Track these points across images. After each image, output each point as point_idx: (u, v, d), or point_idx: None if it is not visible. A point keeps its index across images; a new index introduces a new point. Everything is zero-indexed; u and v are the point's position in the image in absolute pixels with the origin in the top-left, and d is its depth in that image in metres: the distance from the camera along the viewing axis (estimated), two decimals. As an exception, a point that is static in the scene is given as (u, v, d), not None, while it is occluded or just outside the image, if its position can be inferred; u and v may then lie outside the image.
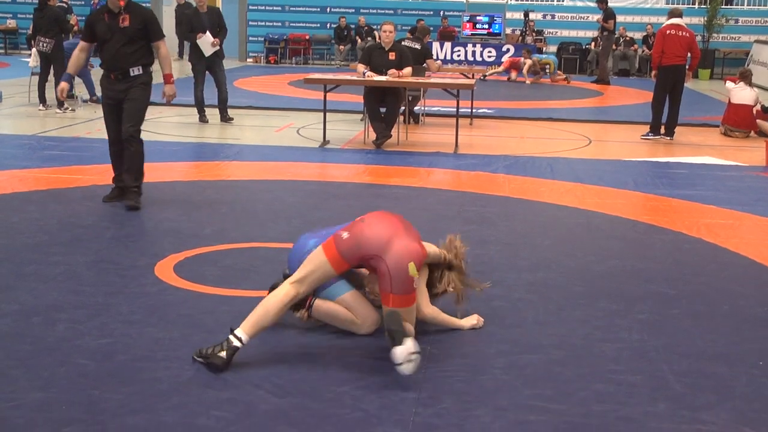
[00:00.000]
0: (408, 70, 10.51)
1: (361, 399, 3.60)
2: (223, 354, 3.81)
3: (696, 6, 24.35)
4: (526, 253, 5.94)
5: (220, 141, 10.79)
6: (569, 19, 25.47)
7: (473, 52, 22.80)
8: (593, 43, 24.33)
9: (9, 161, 8.75)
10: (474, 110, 13.31)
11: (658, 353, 4.21)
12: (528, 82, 20.61)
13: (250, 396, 3.59)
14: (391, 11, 25.22)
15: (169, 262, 5.44)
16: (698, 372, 4.01)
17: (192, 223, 6.45)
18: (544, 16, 25.46)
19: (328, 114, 10.80)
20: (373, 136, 10.51)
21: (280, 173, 8.58)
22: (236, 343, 3.84)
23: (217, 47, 11.83)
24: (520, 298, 4.99)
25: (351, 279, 4.30)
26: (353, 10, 25.41)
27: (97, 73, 8.47)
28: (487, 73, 20.06)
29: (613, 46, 22.26)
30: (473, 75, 15.14)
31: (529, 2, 24.95)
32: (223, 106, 12.22)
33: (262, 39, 25.94)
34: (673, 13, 11.84)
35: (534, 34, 23.98)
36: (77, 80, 12.85)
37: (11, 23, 25.76)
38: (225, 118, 12.23)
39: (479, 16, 23.67)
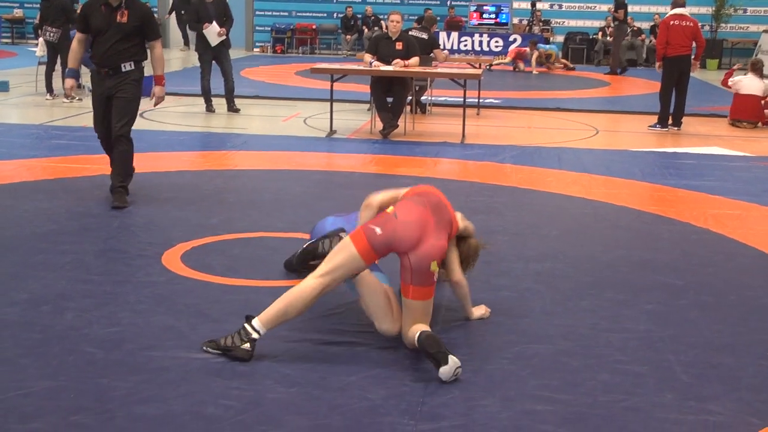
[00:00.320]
0: (415, 60, 10.50)
1: (369, 389, 3.61)
2: (248, 347, 3.80)
3: (704, -4, 24.28)
4: (533, 243, 5.94)
5: (227, 131, 10.79)
6: (576, 9, 25.39)
7: (480, 42, 22.76)
8: (600, 33, 24.27)
9: (17, 151, 8.77)
10: (481, 100, 13.30)
11: (665, 343, 4.21)
12: (535, 72, 20.57)
13: (258, 385, 3.60)
14: (398, 1, 25.19)
15: (176, 252, 5.45)
16: (705, 362, 4.01)
17: (199, 212, 6.46)
18: (551, 6, 25.39)
19: (334, 104, 10.81)
20: (380, 125, 10.50)
21: (286, 163, 8.58)
22: (254, 335, 3.83)
23: (224, 37, 11.82)
24: (527, 288, 4.99)
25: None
26: (360, 0, 25.37)
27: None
28: (492, 63, 20.01)
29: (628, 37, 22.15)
30: (480, 65, 15.11)
31: (536, -8, 24.90)
32: (229, 96, 12.22)
33: (269, 29, 25.93)
34: (676, 3, 11.76)
35: (541, 24, 23.93)
36: (83, 69, 12.85)
37: (18, 12, 25.80)
38: (232, 108, 12.23)
39: (486, 5, 23.61)
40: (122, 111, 6.53)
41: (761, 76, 12.46)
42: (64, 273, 4.98)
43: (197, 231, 5.94)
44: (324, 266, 3.93)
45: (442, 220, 4.09)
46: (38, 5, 14.05)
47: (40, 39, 13.16)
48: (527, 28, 23.83)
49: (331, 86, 10.62)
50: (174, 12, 25.26)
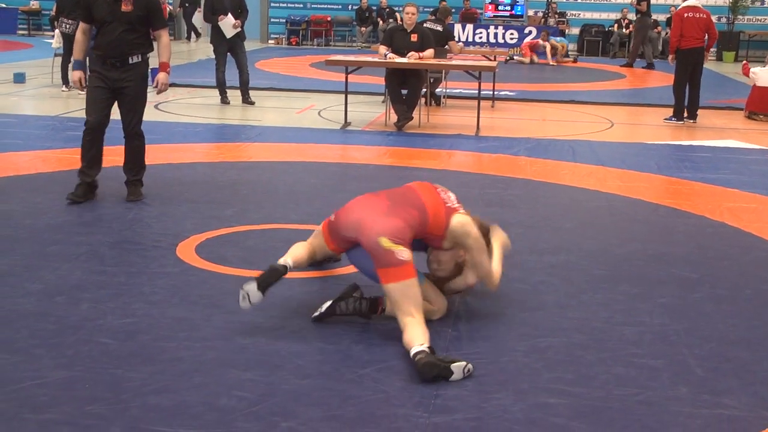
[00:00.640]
0: (429, 52, 10.49)
1: (383, 381, 3.61)
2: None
3: (721, -13, 24.14)
4: (547, 235, 5.92)
5: (242, 122, 10.81)
6: (592, 1, 25.28)
7: (495, 34, 22.71)
8: (616, 25, 24.16)
9: (33, 142, 8.81)
10: (496, 92, 13.26)
11: (680, 337, 4.20)
12: (553, 63, 20.53)
13: (272, 377, 3.61)
14: (413, -7, 25.11)
15: (190, 243, 5.47)
16: (720, 356, 3.99)
17: (213, 204, 6.47)
18: (567, -2, 25.31)
19: (349, 96, 10.80)
20: (394, 118, 10.49)
21: (301, 155, 8.59)
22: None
23: (239, 29, 11.83)
24: (541, 281, 4.98)
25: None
26: (375, -8, 25.34)
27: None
28: (511, 56, 20.04)
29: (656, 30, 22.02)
30: (495, 57, 15.07)
31: (552, -17, 24.81)
32: (244, 87, 12.24)
33: (284, 20, 25.94)
34: None
35: (556, 16, 23.83)
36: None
37: (34, 4, 25.89)
38: (246, 100, 12.25)
39: (501, -3, 23.56)
40: (134, 108, 6.46)
41: None
42: (79, 264, 5.00)
43: (211, 222, 5.95)
44: (308, 244, 4.43)
45: (402, 204, 4.17)
46: (54, -3, 14.08)
47: (56, 31, 13.19)
48: (542, 20, 23.75)
49: (346, 78, 10.61)
50: (180, 4, 25.36)
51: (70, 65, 12.73)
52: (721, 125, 11.64)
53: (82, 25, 6.44)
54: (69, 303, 4.37)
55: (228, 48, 11.98)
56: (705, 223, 6.39)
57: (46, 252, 5.20)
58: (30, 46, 21.55)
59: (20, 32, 25.62)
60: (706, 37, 11.60)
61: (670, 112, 11.79)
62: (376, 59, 10.73)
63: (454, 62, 11.41)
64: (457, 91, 13.64)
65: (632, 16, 22.93)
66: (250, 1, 12.66)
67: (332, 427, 3.22)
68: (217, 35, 11.98)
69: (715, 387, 3.67)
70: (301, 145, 9.11)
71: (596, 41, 24.27)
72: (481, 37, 22.61)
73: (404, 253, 3.98)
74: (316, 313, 4.19)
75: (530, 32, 22.29)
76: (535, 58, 20.95)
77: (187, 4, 25.34)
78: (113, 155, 6.82)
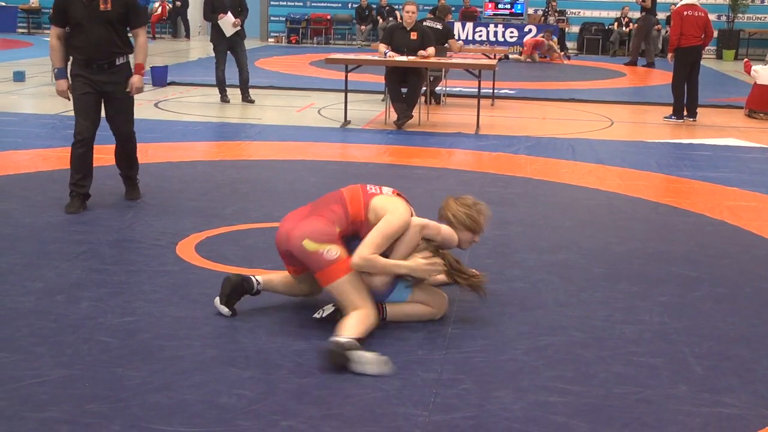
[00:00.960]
0: (431, 49, 10.50)
1: (382, 379, 3.61)
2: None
3: (721, -15, 24.14)
4: (547, 234, 5.93)
5: (242, 121, 10.80)
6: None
7: (495, 33, 22.69)
8: (616, 24, 24.16)
9: (32, 140, 8.81)
10: (495, 91, 13.26)
11: (680, 335, 4.20)
12: (565, 62, 20.64)
13: (272, 375, 3.61)
14: (413, -9, 25.09)
15: (190, 241, 5.47)
16: (720, 354, 4.00)
17: (213, 202, 6.47)
18: (567, -4, 25.30)
19: (349, 94, 10.80)
20: (394, 116, 10.49)
21: (301, 153, 8.59)
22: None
23: (239, 27, 11.82)
24: (541, 279, 4.98)
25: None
26: (374, -10, 25.33)
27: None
28: (509, 54, 20.06)
29: (658, 27, 21.94)
30: (495, 55, 15.07)
31: (552, -19, 24.79)
32: (244, 86, 12.24)
33: (284, 19, 25.93)
34: None
35: (556, 14, 23.82)
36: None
37: (34, 2, 25.87)
38: (246, 99, 12.25)
39: (501, -4, 23.54)
40: (126, 111, 6.29)
41: None
42: (79, 262, 5.00)
43: (211, 221, 5.95)
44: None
45: (324, 204, 4.26)
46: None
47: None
48: (542, 18, 23.74)
49: (346, 76, 10.61)
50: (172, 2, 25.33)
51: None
52: (721, 123, 11.64)
53: (55, 30, 6.06)
54: (69, 301, 4.37)
55: (228, 46, 11.98)
56: (705, 222, 6.39)
57: (46, 250, 5.20)
58: (30, 44, 21.54)
59: (20, 30, 25.61)
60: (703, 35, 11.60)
61: (670, 110, 11.79)
62: (376, 57, 10.73)
63: (453, 60, 11.41)
64: (457, 89, 13.63)
65: (633, 14, 22.92)
66: (249, 0, 12.64)
67: (332, 426, 3.22)
68: (217, 34, 11.98)
69: (714, 385, 3.67)
70: (300, 144, 9.11)
71: (596, 39, 24.27)
72: (480, 36, 22.60)
73: (332, 251, 4.02)
74: (317, 315, 4.19)
75: (530, 30, 22.28)
76: (536, 57, 20.94)
77: (178, 3, 25.30)
78: (108, 154, 6.81)
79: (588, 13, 25.17)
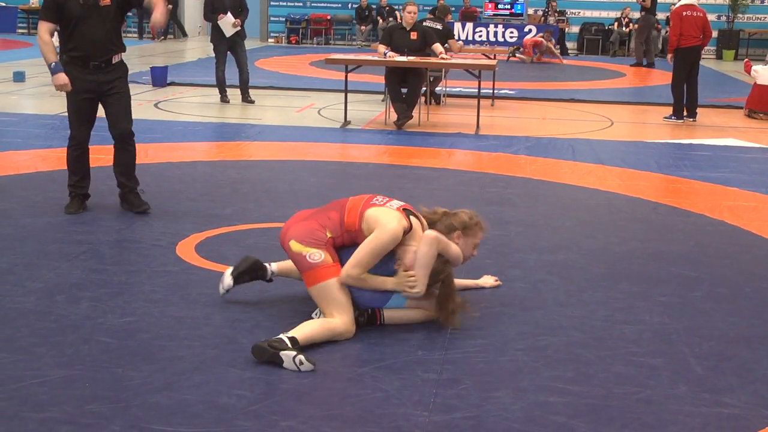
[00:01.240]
0: (437, 45, 10.56)
1: (382, 380, 3.61)
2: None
3: (721, -15, 24.13)
4: (546, 234, 5.93)
5: (242, 121, 10.81)
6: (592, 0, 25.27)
7: (495, 33, 22.69)
8: (616, 24, 24.16)
9: (32, 141, 8.81)
10: (495, 91, 13.26)
11: (680, 336, 4.20)
12: (564, 62, 20.65)
13: (272, 375, 3.61)
14: (413, -9, 25.08)
15: (190, 242, 5.47)
16: (720, 355, 4.00)
17: (213, 203, 6.47)
18: (567, -4, 25.31)
19: (349, 94, 10.80)
20: (394, 116, 10.49)
21: (301, 153, 8.59)
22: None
23: (239, 28, 11.83)
24: (541, 279, 4.98)
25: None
26: (374, -10, 25.34)
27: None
28: (511, 54, 20.08)
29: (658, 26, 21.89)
30: (495, 56, 15.08)
31: (552, -18, 24.79)
32: (244, 86, 12.24)
33: (284, 19, 25.93)
34: None
35: (556, 14, 23.83)
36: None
37: (34, 2, 25.84)
38: (246, 99, 12.25)
39: (501, -4, 23.55)
40: (125, 110, 6.03)
41: None
42: (79, 263, 5.00)
43: (211, 221, 5.95)
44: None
45: (325, 210, 4.28)
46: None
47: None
48: (542, 18, 23.74)
49: (346, 77, 10.61)
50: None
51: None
52: (720, 124, 11.64)
53: (47, 25, 5.79)
54: (69, 302, 4.37)
55: (228, 47, 11.98)
56: (704, 222, 6.39)
57: (46, 251, 5.20)
58: (30, 44, 21.53)
59: (20, 31, 25.61)
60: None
61: (669, 110, 11.79)
62: (376, 58, 10.73)
63: (453, 61, 11.41)
64: (457, 89, 13.63)
65: (633, 14, 22.91)
66: (249, 0, 12.65)
67: (332, 426, 3.22)
68: (217, 34, 11.98)
69: (714, 385, 3.67)
70: (300, 144, 9.11)
71: (596, 40, 24.27)
72: (480, 36, 22.60)
73: (314, 256, 4.06)
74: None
75: (530, 31, 22.28)
76: (534, 58, 20.94)
77: (170, 6, 25.29)
78: (108, 154, 6.80)
79: (588, 14, 25.17)
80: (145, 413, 3.26)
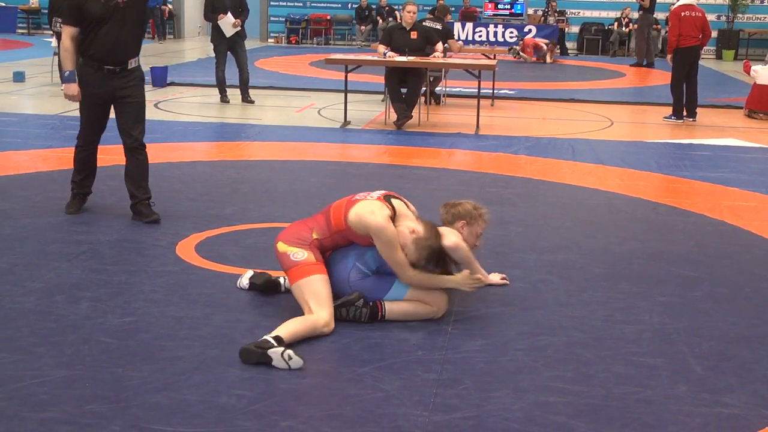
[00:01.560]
0: (439, 44, 10.58)
1: (382, 380, 3.61)
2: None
3: (721, -15, 24.12)
4: (546, 234, 5.93)
5: (242, 121, 10.80)
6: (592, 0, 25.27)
7: (495, 33, 22.68)
8: (616, 24, 24.15)
9: (32, 141, 8.81)
10: (495, 91, 13.25)
11: (680, 336, 4.20)
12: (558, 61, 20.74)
13: (271, 375, 3.61)
14: (413, -9, 25.07)
15: (190, 242, 5.47)
16: (720, 355, 4.00)
17: (213, 203, 6.47)
18: (567, -4, 25.30)
19: (349, 94, 10.80)
20: (394, 116, 10.49)
21: (301, 153, 8.59)
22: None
23: (239, 28, 11.82)
24: (541, 279, 4.98)
25: None
26: (374, -9, 25.33)
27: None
28: (516, 51, 20.17)
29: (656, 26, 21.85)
30: (495, 56, 15.07)
31: (552, -18, 24.78)
32: (244, 86, 12.24)
33: (284, 19, 25.93)
34: None
35: (556, 14, 23.82)
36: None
37: (34, 3, 25.85)
38: (246, 99, 12.25)
39: (501, -4, 23.54)
40: (138, 117, 5.88)
41: None
42: (79, 263, 5.00)
43: (211, 221, 5.95)
44: None
45: (312, 217, 4.41)
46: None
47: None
48: (542, 18, 23.74)
49: (346, 77, 10.61)
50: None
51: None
52: (720, 124, 11.64)
53: (69, 30, 5.67)
54: (69, 302, 4.37)
55: (228, 47, 11.98)
56: (704, 222, 6.39)
57: (46, 251, 5.20)
58: (29, 45, 21.53)
59: (20, 31, 25.60)
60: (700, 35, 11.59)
61: (669, 110, 11.79)
62: (376, 58, 10.73)
63: (453, 60, 11.41)
64: (457, 89, 13.63)
65: (633, 15, 22.90)
66: (249, 0, 12.65)
67: (332, 426, 3.22)
68: (217, 34, 11.98)
69: (714, 385, 3.67)
70: (300, 144, 9.11)
71: (596, 40, 24.26)
72: (480, 36, 22.59)
73: (297, 255, 4.18)
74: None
75: (530, 31, 22.28)
76: (532, 57, 20.96)
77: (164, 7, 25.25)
78: (111, 154, 6.81)
79: (588, 14, 25.16)
80: (145, 413, 3.26)
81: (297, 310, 4.27)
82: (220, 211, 6.25)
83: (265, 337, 3.78)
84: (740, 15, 23.63)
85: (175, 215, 6.09)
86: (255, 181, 7.27)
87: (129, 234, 5.66)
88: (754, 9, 24.10)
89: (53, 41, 13.42)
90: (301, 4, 26.18)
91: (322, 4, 26.13)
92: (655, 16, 22.72)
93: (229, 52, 12.02)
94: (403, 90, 10.48)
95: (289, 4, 26.21)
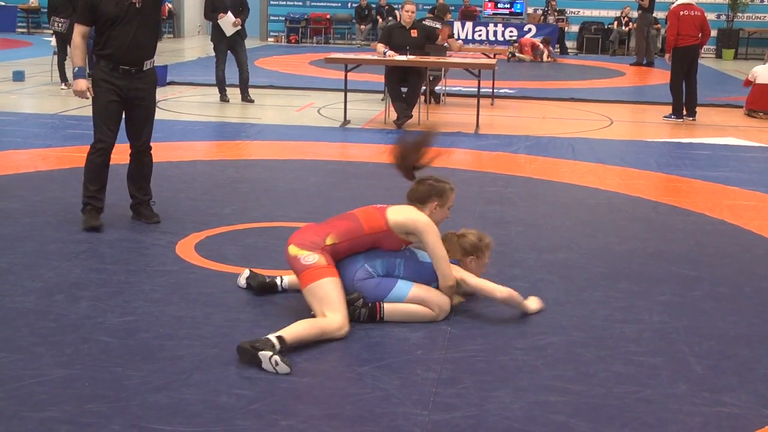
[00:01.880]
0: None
1: (381, 379, 3.61)
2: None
3: (721, -16, 24.11)
4: (546, 233, 5.93)
5: (241, 120, 10.80)
6: (592, -1, 25.28)
7: (495, 32, 22.69)
8: (616, 23, 24.15)
9: (32, 140, 8.81)
10: (495, 90, 13.25)
11: (679, 335, 4.20)
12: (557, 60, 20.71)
13: (271, 375, 3.61)
14: (412, -10, 25.06)
15: (190, 241, 5.47)
16: (720, 354, 4.00)
17: (213, 202, 6.47)
18: (567, -5, 25.29)
19: (349, 93, 10.79)
20: (393, 115, 10.49)
21: (300, 153, 8.59)
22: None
23: (239, 27, 11.82)
24: (541, 278, 4.98)
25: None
26: (374, -10, 25.33)
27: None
28: (512, 53, 20.13)
29: (656, 26, 21.82)
30: (494, 55, 15.07)
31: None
32: (244, 86, 12.23)
33: (284, 18, 25.93)
34: None
35: (556, 13, 23.82)
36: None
37: (33, 2, 25.83)
38: (246, 98, 12.24)
39: (501, -5, 23.54)
40: (148, 121, 5.82)
41: None
42: (79, 262, 5.00)
43: (211, 220, 5.95)
44: None
45: (331, 219, 4.41)
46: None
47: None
48: (542, 18, 23.74)
49: (345, 76, 10.61)
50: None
51: (67, 62, 12.71)
52: (720, 123, 11.64)
53: (81, 29, 5.58)
54: (69, 301, 4.37)
55: (228, 46, 11.98)
56: (704, 221, 6.39)
57: (46, 250, 5.20)
58: (29, 44, 21.53)
59: (19, 30, 25.60)
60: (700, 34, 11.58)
61: (669, 109, 11.79)
62: (376, 57, 10.73)
63: (453, 60, 11.41)
64: (457, 88, 13.63)
65: (633, 14, 22.90)
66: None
67: (332, 425, 3.22)
68: (217, 33, 11.98)
69: (714, 385, 3.67)
70: (300, 143, 9.11)
71: (596, 39, 24.26)
72: (480, 35, 22.59)
73: (309, 258, 4.15)
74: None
75: (529, 30, 22.28)
76: (531, 57, 20.97)
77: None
78: (113, 153, 6.77)
79: (587, 13, 25.16)
80: (144, 412, 3.26)
81: (297, 310, 4.27)
82: (220, 210, 6.24)
83: (268, 336, 3.77)
84: (740, 14, 23.63)
85: (174, 214, 6.09)
86: (255, 181, 7.27)
87: (129, 233, 5.66)
88: (753, 8, 24.09)
89: (53, 41, 13.42)
90: (300, 4, 26.17)
91: (322, 4, 26.12)
92: (654, 15, 22.75)
93: (229, 51, 12.02)
94: (403, 89, 10.48)
95: (288, 3, 26.21)
